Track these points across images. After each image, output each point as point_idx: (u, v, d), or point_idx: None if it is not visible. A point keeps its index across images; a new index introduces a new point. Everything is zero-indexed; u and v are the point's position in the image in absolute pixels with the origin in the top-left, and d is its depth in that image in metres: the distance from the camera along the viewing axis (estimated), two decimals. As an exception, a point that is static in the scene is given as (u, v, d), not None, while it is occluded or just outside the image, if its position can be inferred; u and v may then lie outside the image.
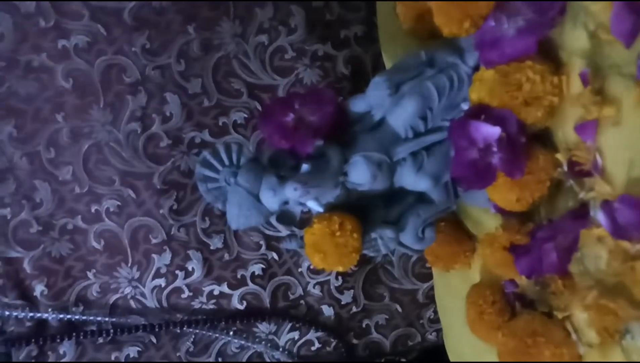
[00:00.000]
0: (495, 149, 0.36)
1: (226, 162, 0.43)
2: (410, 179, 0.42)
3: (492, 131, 0.36)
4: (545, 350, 0.38)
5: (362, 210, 0.43)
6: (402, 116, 0.41)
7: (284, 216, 0.44)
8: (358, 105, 0.44)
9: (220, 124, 0.58)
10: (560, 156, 0.36)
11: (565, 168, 0.36)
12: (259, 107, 0.58)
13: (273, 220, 0.60)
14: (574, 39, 0.33)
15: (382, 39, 0.55)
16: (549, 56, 0.35)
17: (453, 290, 0.54)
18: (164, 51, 0.57)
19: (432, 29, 0.42)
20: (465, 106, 0.41)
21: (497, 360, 0.44)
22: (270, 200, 0.41)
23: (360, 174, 0.41)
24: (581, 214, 0.35)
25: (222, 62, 0.58)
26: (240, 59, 0.58)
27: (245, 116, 0.59)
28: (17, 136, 0.56)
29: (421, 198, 0.45)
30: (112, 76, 0.56)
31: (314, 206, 0.42)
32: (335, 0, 0.60)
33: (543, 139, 0.37)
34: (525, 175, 0.36)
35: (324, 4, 0.59)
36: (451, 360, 0.58)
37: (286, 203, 0.42)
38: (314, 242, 0.42)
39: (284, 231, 0.61)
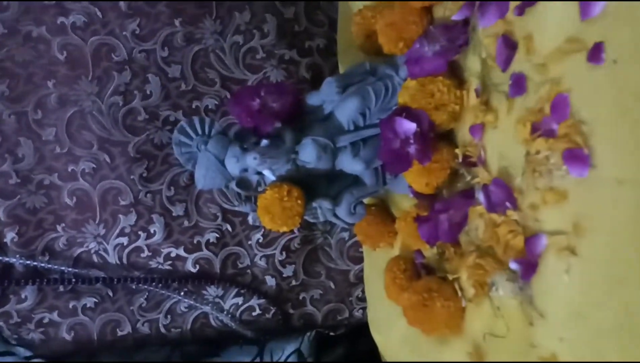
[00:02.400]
0: (412, 141, 0.47)
1: (199, 131, 0.52)
2: (348, 163, 0.53)
3: (410, 127, 0.47)
4: (437, 302, 0.49)
5: (308, 184, 0.53)
6: (346, 111, 0.52)
7: (242, 182, 0.53)
8: (313, 99, 0.54)
9: (193, 107, 0.67)
10: (458, 151, 0.47)
11: (460, 160, 0.47)
12: (229, 97, 0.68)
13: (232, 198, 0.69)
14: (472, 63, 0.44)
15: (339, 51, 0.66)
16: (455, 74, 0.46)
17: (377, 265, 0.64)
18: (151, 38, 0.65)
19: (376, 46, 0.54)
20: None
21: (404, 320, 0.55)
22: (234, 166, 0.51)
23: (308, 154, 0.51)
24: (469, 194, 0.46)
25: (201, 54, 0.67)
26: (217, 53, 0.67)
27: (216, 103, 0.68)
28: (8, 95, 0.62)
29: (356, 180, 0.56)
30: (102, 53, 0.64)
31: (269, 175, 0.52)
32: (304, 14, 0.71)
33: (448, 137, 0.49)
34: (432, 163, 0.48)
35: (294, 16, 0.70)
36: (371, 329, 0.68)
37: (246, 170, 0.52)
38: (265, 205, 0.51)
39: (238, 207, 0.69)
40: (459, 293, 0.49)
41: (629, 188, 0.32)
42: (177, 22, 0.65)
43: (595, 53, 0.33)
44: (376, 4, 0.57)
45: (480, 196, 0.45)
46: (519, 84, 0.40)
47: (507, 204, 0.42)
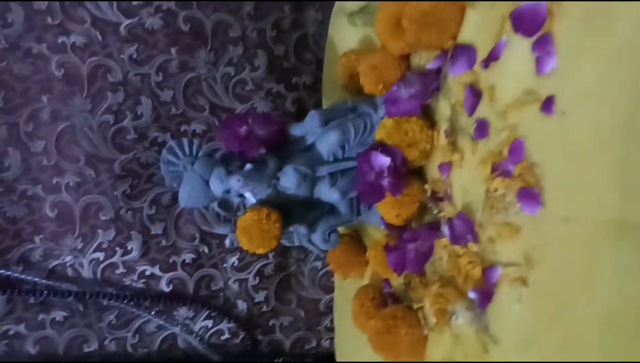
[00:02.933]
0: (386, 174, 0.50)
1: (187, 152, 0.55)
2: (326, 192, 0.56)
3: (385, 161, 0.50)
4: (401, 329, 0.51)
5: (286, 209, 0.56)
6: (327, 144, 0.56)
7: (224, 203, 0.56)
8: (296, 130, 0.58)
9: (181, 130, 0.70)
10: (427, 186, 0.51)
11: (429, 194, 0.51)
12: (217, 123, 0.71)
13: (212, 222, 0.71)
14: (443, 108, 0.49)
15: (324, 88, 0.70)
16: (427, 116, 0.51)
17: (347, 293, 0.66)
18: (147, 63, 0.68)
19: (358, 86, 0.59)
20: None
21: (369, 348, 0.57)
22: (217, 187, 0.53)
23: (289, 181, 0.54)
24: (435, 227, 0.50)
25: (194, 81, 0.70)
26: (209, 82, 0.71)
27: (204, 128, 0.71)
28: (2, 106, 0.64)
29: (332, 209, 0.59)
30: (99, 74, 0.67)
31: (250, 198, 0.54)
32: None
33: (418, 173, 0.53)
34: (403, 196, 0.51)
35: (284, 53, 0.75)
36: (336, 356, 0.69)
37: (228, 191, 0.54)
38: (245, 227, 0.54)
39: (217, 228, 0.71)
40: (422, 321, 0.52)
41: (573, 224, 0.36)
42: (173, 50, 0.69)
43: (548, 105, 0.37)
44: (360, 48, 0.62)
45: (445, 229, 0.49)
46: (482, 129, 0.44)
47: (469, 237, 0.45)
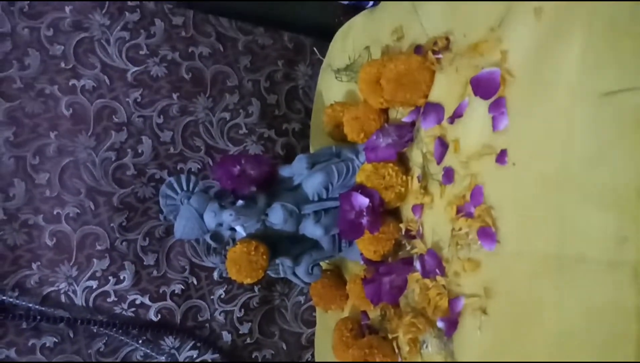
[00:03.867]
0: (365, 213, 0.56)
1: (184, 187, 0.60)
2: (310, 228, 0.61)
3: (364, 201, 0.56)
4: (377, 358, 0.56)
5: (273, 243, 0.61)
6: (312, 184, 0.61)
7: (216, 236, 0.60)
8: (285, 171, 0.63)
9: (178, 168, 0.75)
10: (402, 225, 0.57)
11: (403, 232, 0.56)
12: (211, 163, 0.76)
13: (203, 252, 0.76)
14: (416, 156, 0.55)
15: (311, 135, 0.77)
16: (402, 162, 0.57)
17: (328, 326, 0.70)
18: (150, 106, 0.74)
19: (342, 134, 0.65)
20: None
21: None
22: (211, 220, 0.58)
23: (277, 217, 0.59)
24: (408, 262, 0.55)
25: (192, 124, 0.76)
26: (205, 125, 0.77)
27: (199, 166, 0.76)
28: (12, 140, 0.68)
29: (316, 244, 0.64)
30: (105, 114, 0.72)
31: (240, 231, 0.59)
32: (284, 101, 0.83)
33: (394, 213, 0.58)
34: (380, 234, 0.57)
35: (276, 102, 0.82)
36: (318, 390, 0.72)
37: (221, 224, 0.59)
38: (234, 258, 0.58)
39: (206, 261, 0.76)
40: (397, 350, 0.56)
41: (524, 259, 0.42)
42: (174, 96, 0.75)
43: (501, 157, 0.44)
44: (345, 101, 0.69)
45: (417, 264, 0.54)
46: (448, 175, 0.50)
47: (437, 271, 0.51)
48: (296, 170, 0.63)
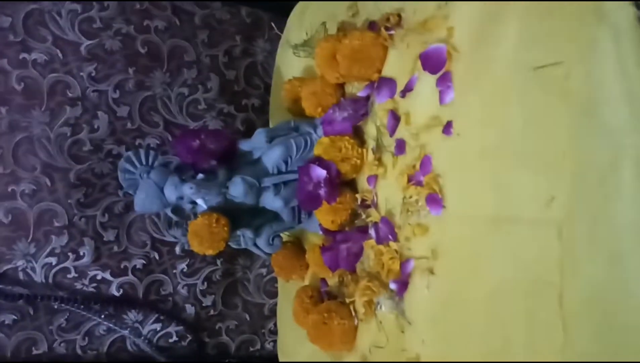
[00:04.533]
0: (322, 185, 0.58)
1: (143, 162, 0.60)
2: (270, 200, 0.63)
3: (322, 173, 0.58)
4: (335, 320, 0.59)
5: (234, 215, 0.62)
6: (271, 158, 0.63)
7: (177, 209, 0.61)
8: (244, 145, 0.65)
9: (136, 143, 0.75)
10: (358, 195, 0.59)
11: (359, 202, 0.59)
12: (170, 138, 0.77)
13: (164, 227, 0.76)
14: (370, 129, 0.58)
15: (271, 110, 0.78)
16: (358, 135, 0.59)
17: (289, 295, 0.73)
18: (105, 81, 0.73)
19: (300, 109, 0.67)
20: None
21: (308, 345, 0.63)
22: (171, 193, 0.59)
23: (237, 190, 0.61)
24: (364, 230, 0.58)
25: (149, 99, 0.76)
26: (164, 100, 0.77)
27: (158, 142, 0.76)
28: (-40, 115, 0.67)
29: (276, 216, 0.66)
30: (58, 89, 0.71)
31: (201, 204, 0.60)
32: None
33: (350, 185, 0.61)
34: (337, 204, 0.59)
35: (235, 78, 0.82)
36: (279, 354, 0.75)
37: (181, 198, 0.60)
38: (196, 230, 0.60)
39: (167, 236, 0.76)
40: (353, 313, 0.60)
41: (467, 222, 0.45)
42: (130, 71, 0.75)
43: (447, 128, 0.47)
44: (303, 76, 0.71)
45: (372, 231, 0.57)
46: (400, 147, 0.53)
47: (390, 237, 0.54)
48: (256, 144, 0.64)
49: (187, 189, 0.58)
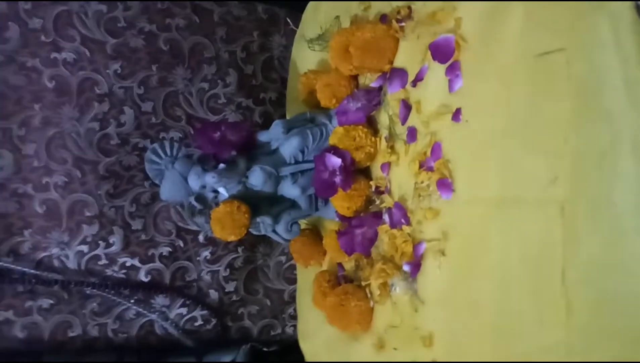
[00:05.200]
0: (337, 173, 0.61)
1: (168, 153, 0.64)
2: (288, 188, 0.66)
3: (337, 161, 0.61)
4: (351, 302, 0.62)
5: (254, 203, 0.65)
6: (289, 148, 0.66)
7: (200, 198, 0.65)
8: (263, 136, 0.68)
9: (160, 137, 0.79)
10: (372, 183, 0.62)
11: (374, 189, 0.62)
12: (192, 132, 0.80)
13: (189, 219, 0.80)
14: (383, 118, 0.60)
15: (287, 102, 0.81)
16: (371, 125, 0.62)
17: (308, 280, 0.76)
18: (130, 77, 0.77)
19: (316, 101, 0.69)
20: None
21: (326, 328, 0.66)
22: (195, 182, 0.63)
23: (257, 179, 0.64)
24: (378, 215, 0.61)
25: (172, 95, 0.80)
26: (185, 95, 0.80)
27: (181, 135, 0.80)
28: (-3, 112, 0.71)
29: (294, 204, 0.68)
30: (87, 86, 0.75)
31: (223, 192, 0.64)
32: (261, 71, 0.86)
33: (364, 172, 0.63)
34: (352, 191, 0.62)
35: (253, 72, 0.85)
36: (299, 338, 0.78)
37: (204, 187, 0.63)
38: (218, 217, 0.63)
39: (192, 225, 0.80)
40: (369, 295, 0.62)
41: (475, 204, 0.47)
42: (154, 68, 0.78)
43: (456, 115, 0.49)
44: (317, 69, 0.73)
45: (385, 216, 0.60)
46: (412, 135, 0.55)
47: (403, 221, 0.56)
48: (273, 135, 0.67)
49: (210, 178, 0.62)
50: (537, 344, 0.40)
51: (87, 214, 0.75)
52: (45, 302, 0.73)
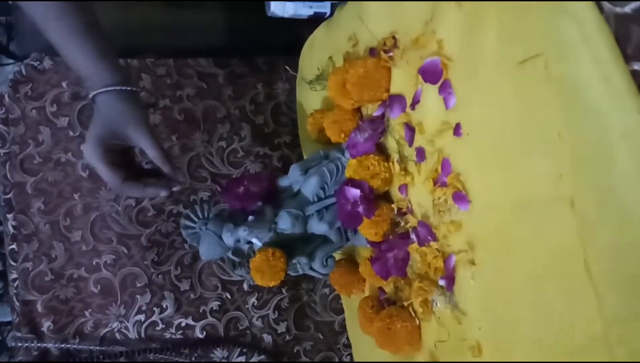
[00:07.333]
0: (359, 203, 0.64)
1: (200, 216, 0.68)
2: (316, 226, 0.69)
3: (356, 193, 0.63)
4: (397, 324, 0.63)
5: (287, 246, 0.69)
6: (310, 188, 0.69)
7: (237, 251, 0.68)
8: (283, 181, 0.71)
9: (190, 200, 0.84)
10: (394, 205, 0.64)
11: (396, 211, 0.64)
12: (219, 189, 0.85)
13: (229, 266, 0.84)
14: (391, 143, 0.63)
15: (301, 143, 0.85)
16: (381, 151, 0.64)
17: (354, 308, 0.78)
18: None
19: (326, 138, 0.73)
20: (345, 181, 0.69)
21: (380, 351, 0.68)
22: (229, 238, 0.66)
23: (285, 223, 0.67)
24: (405, 236, 0.63)
25: (194, 158, 0.85)
26: (207, 156, 0.85)
27: (209, 194, 0.85)
28: (43, 209, 0.78)
29: (325, 239, 0.71)
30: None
31: (256, 242, 0.67)
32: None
33: (385, 196, 0.66)
34: (376, 217, 0.64)
35: (264, 121, 0.90)
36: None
37: (238, 240, 0.67)
38: (256, 266, 0.66)
39: (234, 276, 0.84)
40: (413, 314, 0.64)
41: (492, 211, 0.49)
42: (174, 137, 0.84)
43: (457, 130, 0.51)
44: (322, 108, 0.77)
45: (413, 236, 0.62)
46: (420, 154, 0.58)
47: (429, 237, 0.58)
48: (293, 179, 0.70)
49: (242, 232, 0.65)
50: (576, 343, 0.41)
51: (138, 285, 0.80)
52: (114, 375, 0.78)
